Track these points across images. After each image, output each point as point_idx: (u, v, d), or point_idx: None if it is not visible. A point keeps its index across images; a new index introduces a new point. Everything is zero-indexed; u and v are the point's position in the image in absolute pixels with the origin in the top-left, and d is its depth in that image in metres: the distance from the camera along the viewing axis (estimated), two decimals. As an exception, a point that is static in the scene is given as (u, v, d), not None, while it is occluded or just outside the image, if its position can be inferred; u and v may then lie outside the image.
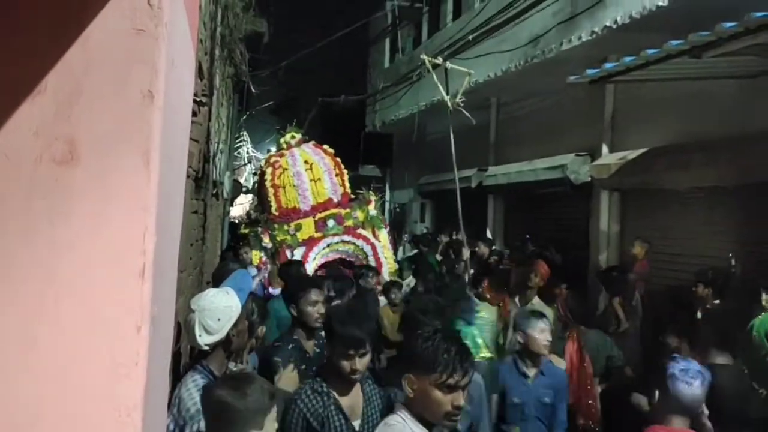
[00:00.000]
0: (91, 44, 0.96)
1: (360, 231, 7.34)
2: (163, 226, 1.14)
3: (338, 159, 7.72)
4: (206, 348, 3.15)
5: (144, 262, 1.01)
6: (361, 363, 2.71)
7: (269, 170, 7.55)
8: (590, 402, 4.50)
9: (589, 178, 8.44)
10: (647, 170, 7.22)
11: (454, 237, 10.09)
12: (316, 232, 7.19)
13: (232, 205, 15.83)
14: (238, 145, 21.00)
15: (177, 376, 3.29)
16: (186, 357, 3.94)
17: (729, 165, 6.08)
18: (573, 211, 9.31)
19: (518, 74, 8.83)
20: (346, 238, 7.27)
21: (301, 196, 7.34)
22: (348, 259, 7.29)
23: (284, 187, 7.38)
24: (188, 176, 3.29)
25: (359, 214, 7.41)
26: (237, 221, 25.97)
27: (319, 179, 7.42)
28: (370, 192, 7.83)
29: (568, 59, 7.47)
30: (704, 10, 5.16)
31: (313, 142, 7.93)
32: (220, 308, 3.12)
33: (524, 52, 8.37)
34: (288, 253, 7.04)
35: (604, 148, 8.39)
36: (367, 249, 7.31)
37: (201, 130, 3.67)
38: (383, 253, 7.37)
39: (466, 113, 7.07)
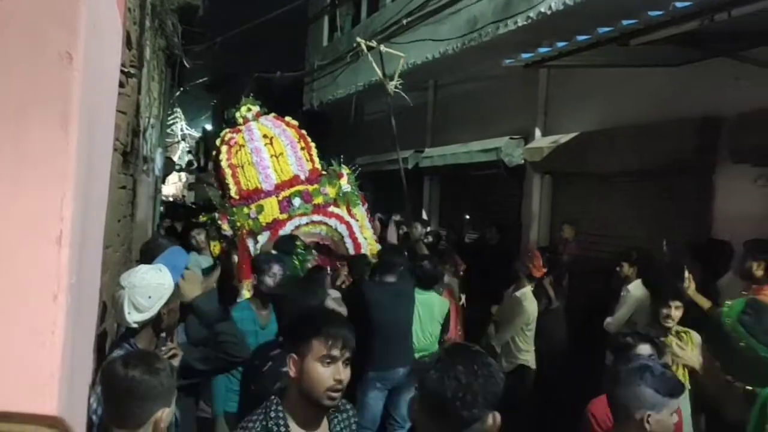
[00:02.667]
0: (5, 2, 0.91)
1: (332, 209, 6.44)
2: (84, 195, 1.11)
3: (304, 132, 6.84)
4: (134, 326, 3.08)
5: (61, 229, 0.97)
6: (347, 372, 2.13)
7: (224, 149, 6.63)
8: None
9: (523, 161, 8.63)
10: (577, 154, 7.44)
11: (393, 219, 10.15)
12: (281, 213, 6.27)
13: (164, 183, 15.43)
14: (171, 121, 20.47)
15: (103, 355, 3.20)
16: (112, 336, 3.84)
17: (652, 149, 6.34)
18: (507, 193, 9.50)
19: (455, 57, 8.91)
20: (316, 218, 6.36)
21: (262, 175, 6.41)
22: (323, 242, 6.44)
23: (242, 166, 6.47)
24: (115, 149, 3.20)
25: (329, 190, 6.50)
26: (171, 200, 25.45)
27: (282, 154, 6.50)
28: (342, 165, 6.89)
29: (504, 43, 7.59)
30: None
31: (273, 114, 6.96)
32: (152, 285, 3.05)
33: (462, 35, 8.44)
34: (250, 241, 6.22)
35: (537, 132, 8.58)
36: (342, 229, 6.40)
37: (129, 103, 3.55)
38: (361, 232, 6.50)
39: (405, 95, 7.09)
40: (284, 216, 6.24)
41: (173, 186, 32.84)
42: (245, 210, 6.25)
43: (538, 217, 8.72)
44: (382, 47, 7.01)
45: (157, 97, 7.57)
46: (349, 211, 6.55)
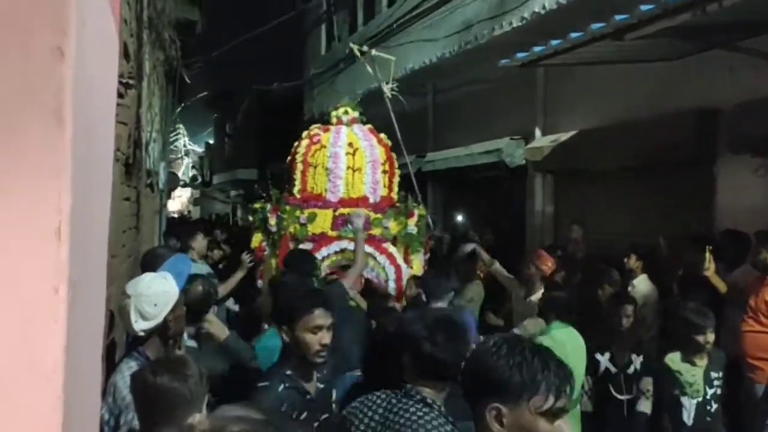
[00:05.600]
0: (-4, 1, 0.95)
1: (386, 246, 5.72)
2: (83, 191, 1.14)
3: (393, 155, 6.22)
4: (142, 334, 3.10)
5: (60, 221, 1.00)
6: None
7: (305, 143, 6.05)
8: None
9: (524, 161, 8.64)
10: (577, 152, 7.46)
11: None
12: (332, 229, 5.65)
13: (169, 197, 15.48)
14: (174, 138, 20.59)
15: (112, 365, 3.22)
16: (122, 347, 3.87)
17: (652, 144, 6.35)
18: (510, 194, 9.52)
19: (453, 60, 8.95)
20: (367, 248, 5.63)
21: (330, 183, 5.83)
22: (366, 276, 5.72)
23: (315, 167, 5.88)
24: (117, 160, 3.24)
25: (392, 225, 5.81)
26: (176, 216, 25.58)
27: (359, 170, 5.88)
28: (417, 203, 6.14)
29: (500, 44, 7.62)
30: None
31: (369, 126, 6.39)
32: (158, 293, 3.08)
33: (458, 38, 8.49)
34: (291, 245, 5.66)
35: (537, 132, 8.60)
36: (390, 270, 5.65)
37: (129, 114, 3.59)
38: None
39: (401, 98, 7.09)
40: (334, 233, 5.61)
41: (178, 201, 32.99)
42: (297, 212, 5.71)
43: (541, 216, 8.73)
44: (374, 51, 6.98)
45: (159, 111, 7.64)
46: (406, 256, 5.84)
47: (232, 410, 1.23)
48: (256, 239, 5.85)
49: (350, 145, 5.91)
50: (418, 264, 5.89)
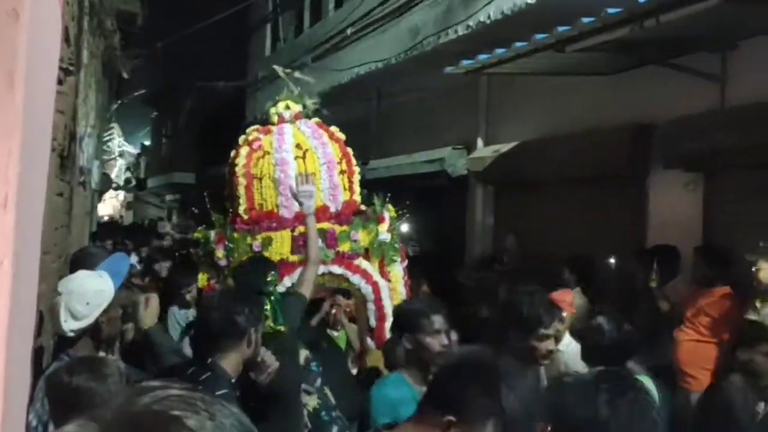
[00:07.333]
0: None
1: (359, 262, 4.86)
2: (29, 160, 1.07)
3: (349, 150, 5.32)
4: (71, 335, 2.95)
5: (7, 191, 0.94)
6: None
7: (244, 151, 5.09)
8: None
9: (466, 171, 8.73)
10: (517, 163, 7.59)
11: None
12: (292, 253, 4.68)
13: (100, 199, 14.94)
14: (108, 137, 19.94)
15: (40, 370, 3.05)
16: (50, 352, 3.69)
17: (589, 157, 6.52)
18: (451, 203, 9.59)
19: (398, 67, 8.98)
20: (336, 269, 4.79)
21: (282, 197, 4.84)
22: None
23: (261, 179, 4.95)
24: (53, 150, 3.09)
25: (362, 237, 4.93)
26: (107, 219, 24.69)
27: (313, 175, 4.91)
28: (386, 204, 5.28)
29: (446, 53, 7.70)
30: (572, 6, 5.41)
31: (316, 119, 5.42)
32: (91, 292, 2.94)
33: (405, 45, 8.53)
34: None
35: (479, 142, 8.71)
36: (366, 290, 4.85)
37: (67, 103, 3.44)
38: (390, 297, 4.91)
39: (309, 115, 6.84)
40: (295, 258, 4.65)
41: (109, 204, 31.90)
42: (248, 239, 4.80)
43: (481, 227, 8.82)
44: (296, 73, 6.82)
45: (95, 106, 7.37)
46: (381, 268, 5.01)
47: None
48: (203, 278, 5.03)
49: (298, 146, 4.99)
50: (396, 275, 5.08)
